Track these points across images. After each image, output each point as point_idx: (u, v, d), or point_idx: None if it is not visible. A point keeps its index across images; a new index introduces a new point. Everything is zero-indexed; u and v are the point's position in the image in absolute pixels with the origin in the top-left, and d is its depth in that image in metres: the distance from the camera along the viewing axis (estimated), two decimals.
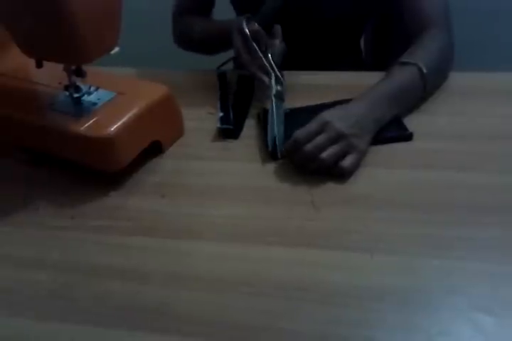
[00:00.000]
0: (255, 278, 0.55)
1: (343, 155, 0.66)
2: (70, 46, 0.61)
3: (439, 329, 0.49)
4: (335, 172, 0.66)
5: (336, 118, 0.66)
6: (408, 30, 0.85)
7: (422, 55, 0.77)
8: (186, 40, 0.99)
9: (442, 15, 0.83)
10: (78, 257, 0.60)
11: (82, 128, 0.66)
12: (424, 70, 0.74)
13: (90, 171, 0.69)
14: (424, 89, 0.76)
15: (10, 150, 0.74)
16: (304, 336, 0.50)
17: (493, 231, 0.58)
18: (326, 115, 0.67)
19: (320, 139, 0.65)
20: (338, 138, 0.65)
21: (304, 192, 0.65)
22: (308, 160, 0.66)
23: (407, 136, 0.71)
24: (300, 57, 0.90)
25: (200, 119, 0.79)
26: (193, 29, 0.95)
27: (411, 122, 0.74)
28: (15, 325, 0.53)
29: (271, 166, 0.69)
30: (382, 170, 0.67)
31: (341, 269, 0.55)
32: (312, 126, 0.66)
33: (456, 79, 0.82)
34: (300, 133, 0.65)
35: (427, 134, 0.72)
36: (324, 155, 0.64)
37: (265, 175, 0.68)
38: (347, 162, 0.65)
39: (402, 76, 0.75)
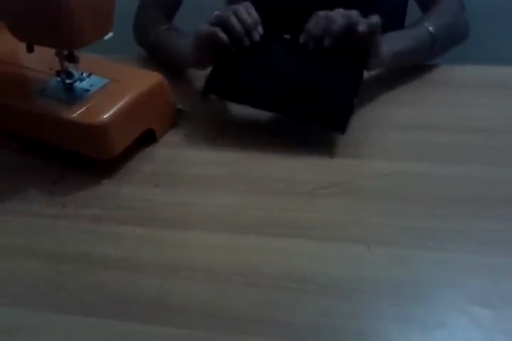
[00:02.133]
0: (250, 269, 0.54)
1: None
2: (63, 30, 0.60)
3: (435, 321, 0.49)
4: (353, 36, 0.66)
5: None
6: (419, 5, 0.88)
7: (431, 19, 0.79)
8: (142, 37, 0.90)
9: None
10: (70, 246, 0.58)
11: (74, 115, 0.64)
12: (433, 32, 0.76)
13: (82, 159, 0.67)
14: (432, 50, 0.78)
15: None
16: (299, 327, 0.49)
17: (491, 224, 0.58)
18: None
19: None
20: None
21: (301, 183, 0.64)
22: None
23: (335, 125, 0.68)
24: None
25: (195, 107, 0.77)
26: (151, 28, 0.87)
27: (410, 114, 0.74)
28: (5, 316, 0.52)
29: (267, 156, 0.68)
30: (380, 162, 0.67)
31: (338, 261, 0.55)
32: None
33: (456, 71, 0.82)
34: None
35: (426, 126, 0.72)
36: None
37: (261, 165, 0.67)
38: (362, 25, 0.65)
39: (410, 30, 0.78)
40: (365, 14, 0.68)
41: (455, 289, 0.52)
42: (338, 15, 0.66)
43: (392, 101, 0.78)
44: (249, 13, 0.70)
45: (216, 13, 0.70)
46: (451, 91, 0.79)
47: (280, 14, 0.88)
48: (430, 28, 0.77)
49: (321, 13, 0.68)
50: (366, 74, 0.76)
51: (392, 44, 0.74)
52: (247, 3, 0.72)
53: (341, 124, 0.67)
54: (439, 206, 0.60)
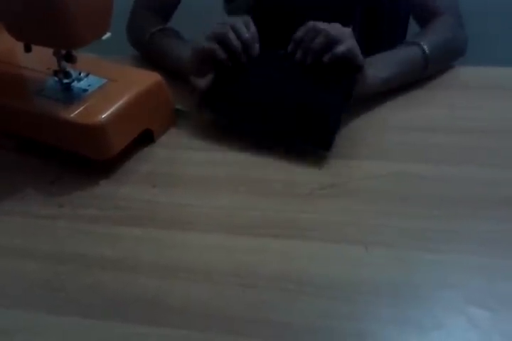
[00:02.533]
0: (248, 270, 0.54)
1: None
2: (61, 30, 0.60)
3: (432, 322, 0.49)
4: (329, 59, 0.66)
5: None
6: (417, 20, 0.86)
7: (427, 36, 0.78)
8: (137, 39, 0.89)
9: (451, 4, 0.84)
10: (68, 247, 0.58)
11: (72, 115, 0.64)
12: (427, 51, 0.75)
13: (80, 159, 0.67)
14: (425, 69, 0.77)
15: None
16: (297, 328, 0.49)
17: (489, 225, 0.58)
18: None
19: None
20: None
21: (299, 184, 0.64)
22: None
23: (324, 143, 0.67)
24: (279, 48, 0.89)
25: (193, 108, 0.77)
26: (146, 28, 0.85)
27: (406, 115, 0.74)
28: (3, 317, 0.52)
29: (265, 157, 0.68)
30: (378, 163, 0.67)
31: (335, 262, 0.55)
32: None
33: (454, 72, 0.82)
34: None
35: (423, 127, 0.72)
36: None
37: (259, 166, 0.67)
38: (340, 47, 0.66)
39: (402, 50, 0.77)
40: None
41: (452, 290, 0.52)
42: (323, 31, 0.66)
43: (390, 102, 0.78)
44: (247, 28, 0.70)
45: (215, 28, 0.70)
46: (449, 92, 0.79)
47: (280, 26, 0.88)
48: (425, 47, 0.76)
49: (310, 24, 0.68)
50: None
51: (381, 70, 0.72)
52: (247, 18, 0.71)
53: (327, 142, 0.67)
54: (436, 207, 0.60)
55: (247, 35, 0.69)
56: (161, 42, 0.84)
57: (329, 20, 0.68)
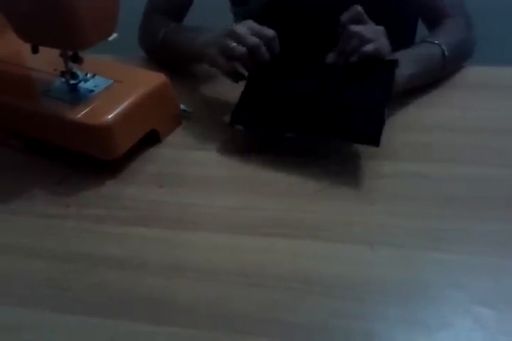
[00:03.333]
0: (254, 270, 0.54)
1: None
2: (68, 31, 0.60)
3: (439, 322, 0.49)
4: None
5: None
6: (425, 22, 0.87)
7: (443, 37, 0.78)
8: (149, 39, 0.88)
9: (459, 5, 0.85)
10: (74, 246, 0.59)
11: (79, 116, 0.64)
12: (446, 52, 0.75)
13: (86, 159, 0.67)
14: (443, 69, 0.77)
15: (4, 138, 0.72)
16: (305, 328, 0.49)
17: (496, 225, 0.58)
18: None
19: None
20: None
21: (305, 184, 0.64)
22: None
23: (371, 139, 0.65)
24: (290, 51, 0.89)
25: (198, 108, 0.78)
26: (159, 28, 0.84)
27: (414, 115, 0.74)
28: (10, 314, 0.52)
29: (271, 157, 0.68)
30: (384, 163, 0.67)
31: (341, 261, 0.55)
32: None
33: (463, 72, 0.83)
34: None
35: (430, 127, 0.72)
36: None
37: (264, 166, 0.67)
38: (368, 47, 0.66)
39: (424, 48, 0.77)
40: None
41: (459, 290, 0.52)
42: (357, 33, 0.67)
43: (397, 102, 0.78)
44: (254, 30, 0.68)
45: (217, 40, 0.69)
46: (457, 92, 0.79)
47: (292, 29, 0.87)
48: (444, 47, 0.76)
49: (348, 28, 0.67)
50: None
51: (405, 67, 0.72)
52: (249, 22, 0.69)
53: (375, 137, 0.64)
54: (443, 207, 0.60)
55: (250, 39, 0.67)
56: (174, 36, 0.82)
57: (338, 23, 0.68)
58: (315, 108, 0.68)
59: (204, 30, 0.77)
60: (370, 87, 0.68)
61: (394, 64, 0.69)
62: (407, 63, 0.73)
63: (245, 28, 0.68)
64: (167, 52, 0.84)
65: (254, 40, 0.67)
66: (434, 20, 0.83)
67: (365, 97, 0.67)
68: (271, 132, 0.68)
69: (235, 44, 0.67)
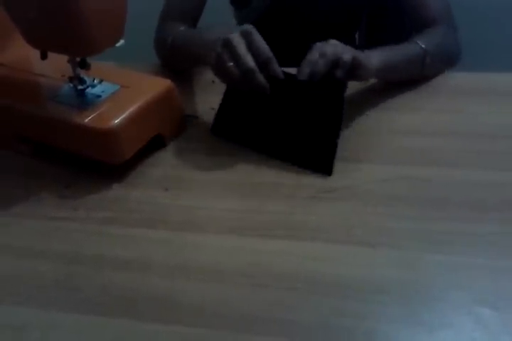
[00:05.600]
0: (258, 270, 0.55)
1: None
2: (76, 38, 0.61)
3: (440, 322, 0.50)
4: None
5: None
6: (411, 27, 0.86)
7: (425, 39, 0.79)
8: (160, 45, 0.88)
9: (445, 11, 0.85)
10: (81, 248, 0.60)
11: (86, 120, 0.66)
12: (426, 50, 0.77)
13: (93, 163, 0.69)
14: (423, 67, 0.78)
15: (12, 142, 0.73)
16: (307, 327, 0.50)
17: (493, 227, 0.59)
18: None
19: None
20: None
21: (306, 187, 0.65)
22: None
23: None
24: (292, 54, 0.90)
25: (202, 114, 0.79)
26: (170, 37, 0.84)
27: (411, 120, 0.75)
28: (18, 314, 0.53)
29: (272, 161, 0.70)
30: (382, 166, 0.68)
31: (343, 263, 0.56)
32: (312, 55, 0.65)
33: (459, 79, 0.84)
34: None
35: (428, 132, 0.73)
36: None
37: (267, 170, 0.69)
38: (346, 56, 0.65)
39: (403, 46, 0.78)
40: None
41: (460, 291, 0.52)
42: (327, 51, 0.65)
43: (394, 107, 0.79)
44: (253, 45, 0.64)
45: (215, 49, 0.66)
46: (453, 97, 0.80)
47: (293, 32, 0.88)
48: (420, 43, 0.78)
49: (317, 46, 0.66)
50: (369, 81, 0.78)
51: (383, 55, 0.73)
52: (249, 31, 0.65)
53: (327, 167, 0.67)
54: (442, 209, 0.61)
55: (246, 61, 0.63)
56: (182, 37, 0.82)
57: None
58: (275, 134, 0.70)
59: (204, 31, 0.76)
60: (320, 119, 0.68)
61: (342, 87, 0.67)
62: (386, 51, 0.74)
63: (242, 41, 0.64)
64: (176, 56, 0.85)
65: (249, 62, 0.63)
66: (421, 26, 0.84)
67: (318, 130, 0.68)
68: (246, 146, 0.72)
69: (231, 64, 0.64)
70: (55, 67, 0.72)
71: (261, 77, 0.64)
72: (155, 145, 0.73)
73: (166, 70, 0.89)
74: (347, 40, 1.00)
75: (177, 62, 0.86)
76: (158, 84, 0.73)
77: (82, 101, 0.70)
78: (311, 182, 0.66)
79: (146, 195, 0.66)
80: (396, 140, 0.72)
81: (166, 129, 0.74)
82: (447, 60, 0.84)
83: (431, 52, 0.78)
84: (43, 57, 0.68)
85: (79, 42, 0.62)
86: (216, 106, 0.75)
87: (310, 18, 0.92)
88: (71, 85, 0.70)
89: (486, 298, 0.51)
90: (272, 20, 0.79)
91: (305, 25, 0.93)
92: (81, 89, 0.70)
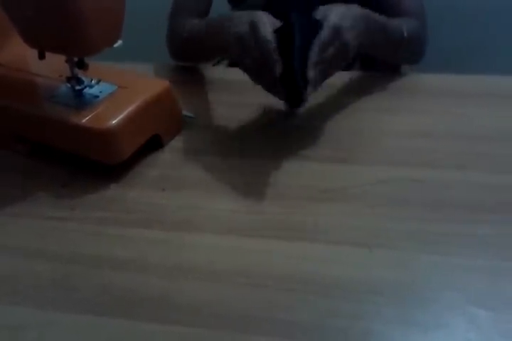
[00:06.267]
0: (255, 271, 0.56)
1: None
2: (74, 37, 0.62)
3: (435, 322, 0.50)
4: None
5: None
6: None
7: (404, 23, 0.81)
8: (175, 38, 0.90)
9: (418, 8, 0.88)
10: (78, 248, 0.60)
11: (83, 120, 0.66)
12: (405, 33, 0.79)
13: (90, 163, 0.69)
14: (401, 42, 0.79)
15: (9, 141, 0.73)
16: (303, 327, 0.50)
17: (488, 228, 0.59)
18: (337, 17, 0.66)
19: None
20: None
21: (303, 188, 0.66)
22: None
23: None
24: None
25: (200, 114, 0.79)
26: (184, 28, 0.86)
27: (408, 121, 0.76)
28: (15, 314, 0.53)
29: (270, 162, 0.70)
30: (378, 167, 0.68)
31: (340, 263, 0.56)
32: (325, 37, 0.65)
33: (451, 81, 0.84)
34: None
35: (423, 134, 0.73)
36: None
37: (264, 170, 0.69)
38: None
39: (389, 20, 0.78)
40: None
41: (455, 291, 0.53)
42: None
43: (390, 108, 0.80)
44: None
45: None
46: (450, 99, 0.80)
47: None
48: (403, 26, 0.79)
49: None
50: (365, 80, 0.78)
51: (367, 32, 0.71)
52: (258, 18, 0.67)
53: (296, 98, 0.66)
54: (437, 211, 0.61)
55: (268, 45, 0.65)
56: (199, 26, 0.83)
57: None
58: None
59: (221, 18, 0.77)
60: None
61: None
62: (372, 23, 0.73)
63: (268, 22, 0.66)
64: (191, 46, 0.85)
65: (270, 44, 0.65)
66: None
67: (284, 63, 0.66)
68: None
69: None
70: (52, 67, 0.72)
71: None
72: (152, 145, 0.73)
73: (163, 71, 0.90)
74: None
75: (192, 52, 0.87)
76: (156, 85, 0.73)
77: (80, 101, 0.70)
78: (309, 183, 0.66)
79: (143, 195, 0.66)
80: (393, 141, 0.73)
81: (163, 129, 0.74)
82: (418, 48, 0.87)
83: (409, 33, 0.80)
84: (41, 57, 0.68)
85: (76, 42, 0.62)
86: (213, 106, 0.75)
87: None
88: (69, 85, 0.70)
89: (481, 298, 0.52)
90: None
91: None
92: (79, 90, 0.70)
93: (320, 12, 0.68)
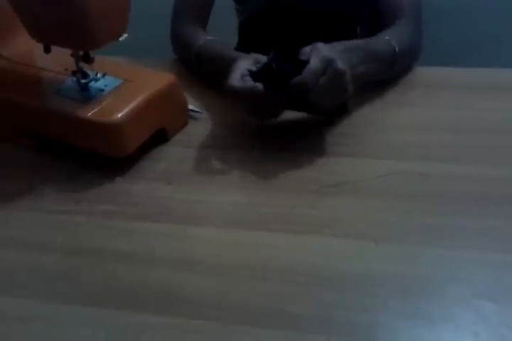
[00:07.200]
0: (259, 264, 0.56)
1: None
2: (80, 32, 0.62)
3: (441, 315, 0.50)
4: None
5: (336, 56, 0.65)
6: (381, 20, 0.88)
7: (395, 36, 0.78)
8: (183, 51, 0.90)
9: (414, 7, 0.87)
10: (83, 241, 0.60)
11: (89, 114, 0.66)
12: (397, 49, 0.76)
13: (95, 157, 0.69)
14: (393, 66, 0.77)
15: (15, 135, 0.74)
16: (309, 319, 0.50)
17: (493, 221, 0.59)
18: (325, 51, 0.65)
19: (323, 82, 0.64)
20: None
21: (308, 181, 0.65)
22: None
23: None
24: (292, 47, 0.89)
25: (205, 108, 0.79)
26: (193, 41, 0.85)
27: (414, 115, 0.76)
28: (21, 307, 0.53)
29: (275, 155, 0.70)
30: (385, 161, 0.68)
31: (346, 256, 0.56)
32: (316, 65, 0.63)
33: (455, 74, 0.84)
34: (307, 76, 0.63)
35: (429, 127, 0.73)
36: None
37: (269, 163, 0.69)
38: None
39: (375, 43, 0.76)
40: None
41: (461, 284, 0.53)
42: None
43: (395, 102, 0.79)
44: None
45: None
46: (455, 93, 0.80)
47: (291, 26, 0.87)
48: (394, 44, 0.76)
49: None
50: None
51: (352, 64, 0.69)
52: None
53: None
54: (442, 204, 0.61)
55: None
56: (213, 50, 0.82)
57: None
58: None
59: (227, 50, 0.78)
60: None
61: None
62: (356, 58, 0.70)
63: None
64: (203, 69, 0.85)
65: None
66: (389, 17, 0.85)
67: None
68: None
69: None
70: (58, 60, 0.72)
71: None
72: (158, 139, 0.73)
73: (169, 64, 0.90)
74: (348, 33, 1.01)
75: (200, 70, 0.86)
76: (162, 79, 0.73)
77: (85, 95, 0.70)
78: (313, 176, 0.66)
79: (148, 189, 0.66)
80: (398, 135, 0.72)
81: (168, 123, 0.74)
82: (412, 58, 0.85)
83: (401, 53, 0.77)
84: (47, 50, 0.68)
85: (82, 36, 0.62)
86: (218, 100, 0.75)
87: (310, 12, 0.93)
88: (74, 79, 0.71)
89: (487, 291, 0.52)
90: (271, 13, 0.79)
91: (305, 18, 0.94)
92: (84, 83, 0.70)
93: (304, 52, 0.66)
